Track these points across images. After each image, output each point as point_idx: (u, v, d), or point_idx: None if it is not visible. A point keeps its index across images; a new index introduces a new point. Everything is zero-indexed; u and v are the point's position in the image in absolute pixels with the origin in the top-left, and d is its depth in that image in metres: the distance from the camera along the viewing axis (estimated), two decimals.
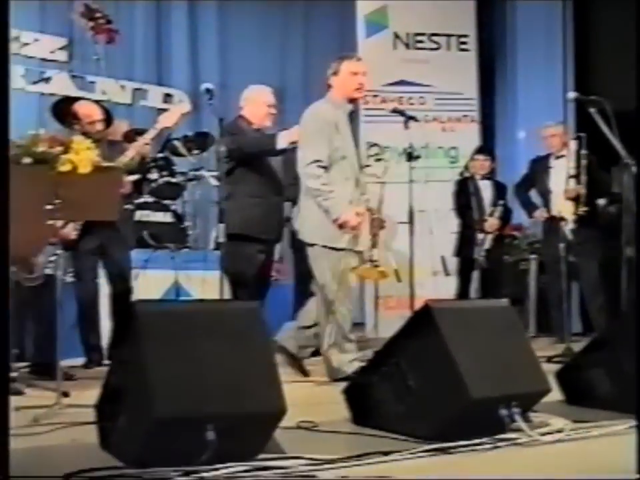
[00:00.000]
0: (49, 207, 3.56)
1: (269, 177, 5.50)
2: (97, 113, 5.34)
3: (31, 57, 7.90)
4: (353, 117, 4.82)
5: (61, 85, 7.90)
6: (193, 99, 8.33)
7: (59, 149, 3.51)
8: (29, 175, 3.50)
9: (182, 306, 2.95)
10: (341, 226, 4.56)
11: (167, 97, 8.52)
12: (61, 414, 3.48)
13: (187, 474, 2.47)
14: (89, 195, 3.63)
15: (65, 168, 3.51)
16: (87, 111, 5.33)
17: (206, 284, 5.87)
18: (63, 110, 5.48)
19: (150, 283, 5.95)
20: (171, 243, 6.22)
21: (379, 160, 4.71)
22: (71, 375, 4.56)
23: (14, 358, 4.33)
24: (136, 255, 5.96)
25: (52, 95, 7.58)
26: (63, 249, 4.39)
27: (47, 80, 7.84)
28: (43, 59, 7.99)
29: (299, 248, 5.87)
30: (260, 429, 2.69)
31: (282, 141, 5.26)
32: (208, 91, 4.92)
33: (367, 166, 4.84)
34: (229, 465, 2.55)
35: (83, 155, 3.51)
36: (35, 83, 7.81)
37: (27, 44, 7.83)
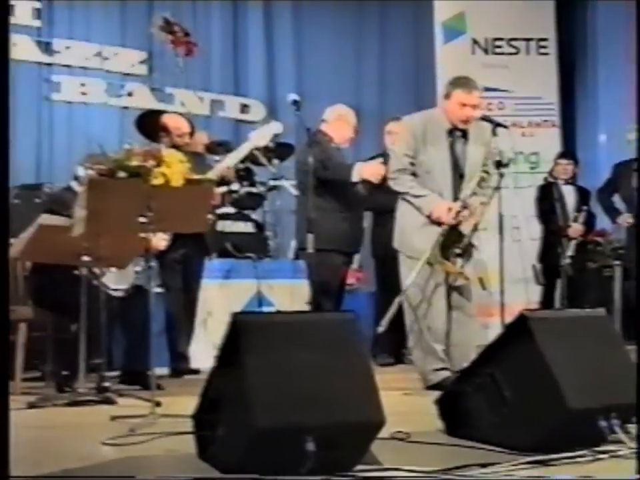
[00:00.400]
0: (142, 219, 3.63)
1: (352, 190, 5.54)
2: (184, 125, 5.40)
3: (109, 71, 8.04)
4: (455, 134, 4.63)
5: (142, 97, 8.03)
6: (269, 109, 8.42)
7: (152, 162, 3.57)
8: (123, 189, 3.59)
9: (280, 317, 2.96)
10: (435, 222, 4.54)
11: (244, 108, 8.59)
12: (155, 423, 3.51)
13: None
14: (180, 207, 3.70)
15: (158, 181, 3.58)
16: (176, 123, 5.39)
17: (289, 293, 5.90)
18: (149, 123, 5.55)
19: (233, 292, 6.00)
20: (253, 252, 6.26)
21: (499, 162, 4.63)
22: (160, 384, 4.59)
23: (104, 367, 4.40)
24: (218, 264, 6.03)
25: (133, 108, 7.71)
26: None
27: (130, 94, 7.97)
28: (123, 73, 8.13)
29: (380, 257, 5.90)
30: (358, 439, 2.68)
31: (356, 175, 5.35)
32: (295, 102, 4.98)
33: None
34: (328, 476, 2.55)
35: (175, 168, 3.57)
36: (117, 96, 7.96)
37: (107, 58, 7.97)
